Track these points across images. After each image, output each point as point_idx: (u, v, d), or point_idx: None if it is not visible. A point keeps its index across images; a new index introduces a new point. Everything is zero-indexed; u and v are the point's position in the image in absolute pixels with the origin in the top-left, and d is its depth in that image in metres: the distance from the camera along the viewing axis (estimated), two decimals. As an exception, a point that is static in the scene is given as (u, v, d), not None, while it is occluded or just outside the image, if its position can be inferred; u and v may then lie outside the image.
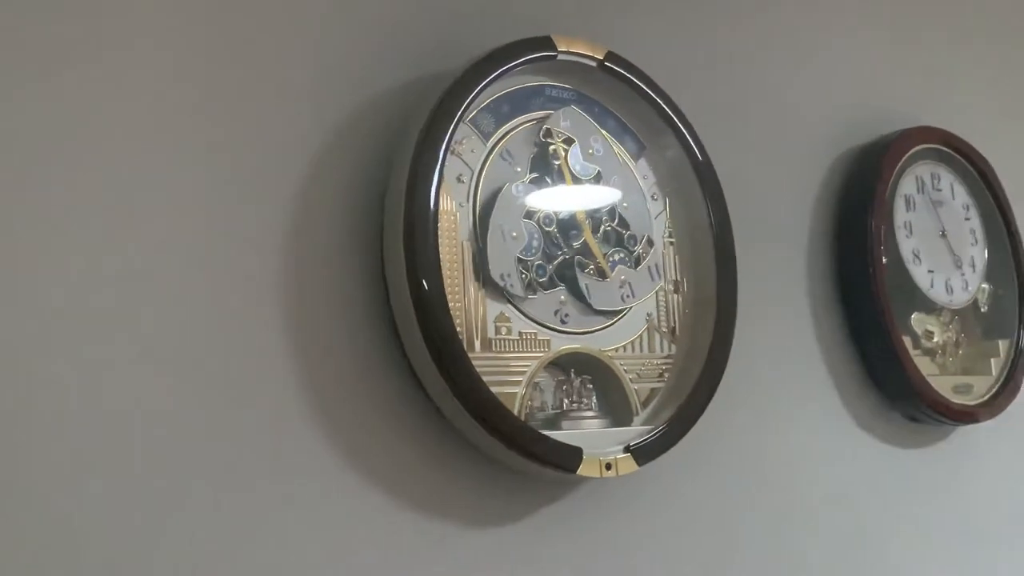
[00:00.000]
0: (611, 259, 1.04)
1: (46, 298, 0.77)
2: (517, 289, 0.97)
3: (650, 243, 1.07)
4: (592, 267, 1.02)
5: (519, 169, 0.99)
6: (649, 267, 1.07)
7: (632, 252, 1.05)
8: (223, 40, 0.89)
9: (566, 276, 1.00)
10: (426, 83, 0.97)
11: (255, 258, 0.87)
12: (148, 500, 0.78)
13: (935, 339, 1.36)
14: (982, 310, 1.43)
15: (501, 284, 0.96)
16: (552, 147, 1.01)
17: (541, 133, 1.01)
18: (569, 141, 1.03)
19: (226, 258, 0.85)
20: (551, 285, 0.99)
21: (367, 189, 0.93)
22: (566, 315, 1.00)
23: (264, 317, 0.86)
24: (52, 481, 0.75)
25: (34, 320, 0.76)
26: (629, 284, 1.05)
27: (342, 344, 0.90)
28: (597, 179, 1.05)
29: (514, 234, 0.97)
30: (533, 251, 0.98)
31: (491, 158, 0.97)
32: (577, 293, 1.01)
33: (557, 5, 1.10)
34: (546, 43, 1.00)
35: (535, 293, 0.98)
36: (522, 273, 0.97)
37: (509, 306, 0.96)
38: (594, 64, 1.03)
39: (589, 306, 1.01)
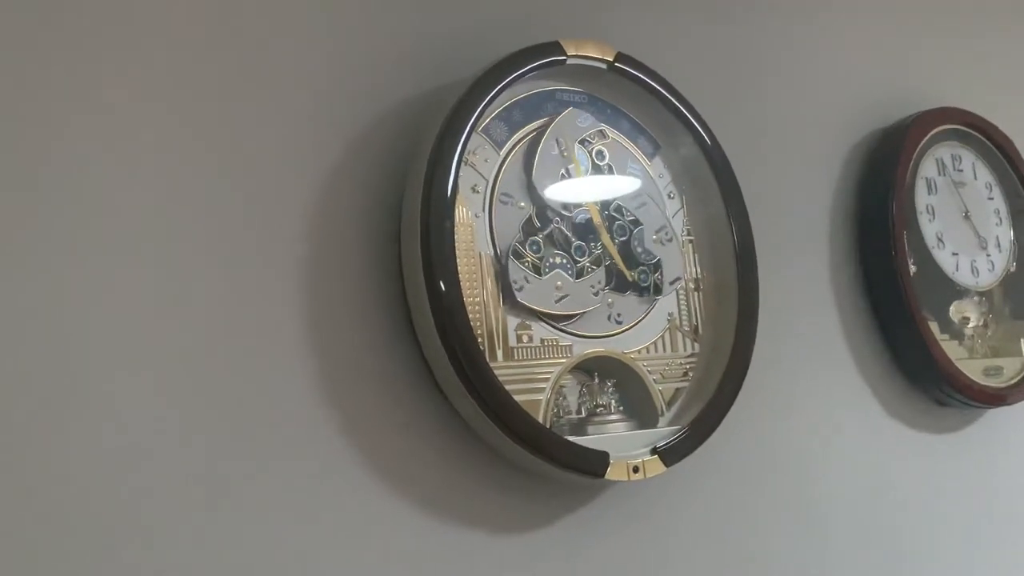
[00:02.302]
0: (637, 249, 1.04)
1: (64, 308, 0.78)
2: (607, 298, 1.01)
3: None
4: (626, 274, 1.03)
5: (523, 205, 0.98)
6: (649, 202, 1.06)
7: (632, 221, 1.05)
8: (240, 52, 0.89)
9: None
10: (436, 94, 0.97)
11: (273, 273, 0.88)
12: (161, 504, 0.79)
13: (972, 324, 1.35)
14: (1011, 270, 1.41)
15: (595, 306, 0.99)
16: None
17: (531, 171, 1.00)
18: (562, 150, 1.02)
19: (243, 272, 0.86)
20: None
21: (383, 203, 0.94)
22: (619, 315, 1.01)
23: (285, 331, 0.87)
24: (62, 483, 0.76)
25: (50, 327, 0.77)
26: (665, 228, 1.06)
27: (363, 356, 0.90)
28: (601, 163, 1.04)
29: (558, 283, 0.98)
30: (571, 266, 0.99)
31: (494, 203, 0.97)
32: (621, 287, 1.02)
33: (565, 9, 1.09)
34: (554, 48, 0.99)
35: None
36: (599, 278, 1.00)
37: (555, 330, 0.97)
38: (604, 66, 1.03)
39: (640, 290, 1.03)
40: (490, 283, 0.95)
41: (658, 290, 1.04)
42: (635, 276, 1.03)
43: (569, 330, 0.98)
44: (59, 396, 0.76)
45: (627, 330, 1.02)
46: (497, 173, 0.97)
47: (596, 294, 1.00)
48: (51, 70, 0.80)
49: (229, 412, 0.83)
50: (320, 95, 0.93)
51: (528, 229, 0.98)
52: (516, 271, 0.96)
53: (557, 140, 1.01)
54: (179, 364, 0.82)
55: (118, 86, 0.83)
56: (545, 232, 0.98)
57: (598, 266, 1.01)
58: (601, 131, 1.05)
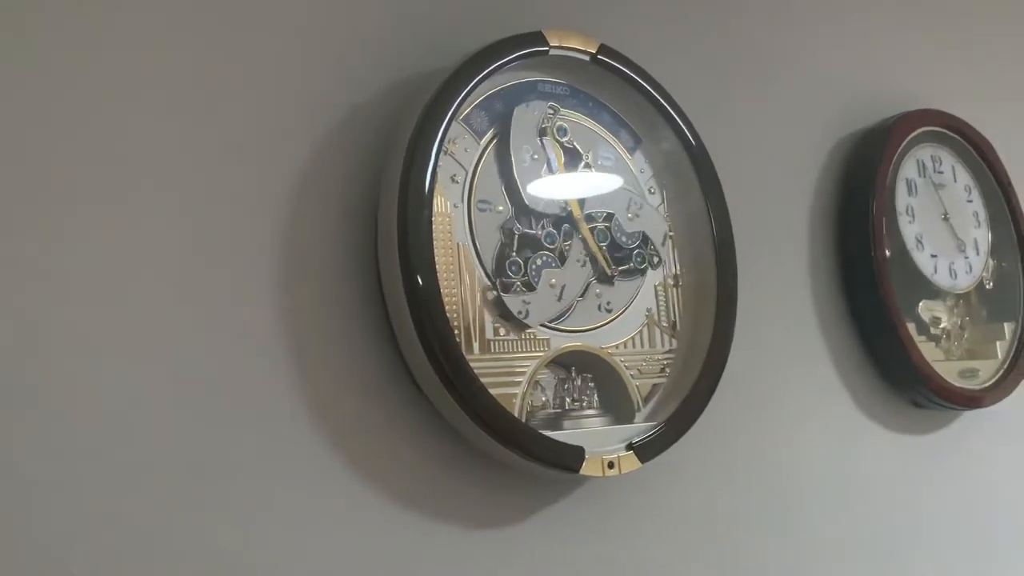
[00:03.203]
0: (621, 239, 1.04)
1: (41, 306, 0.76)
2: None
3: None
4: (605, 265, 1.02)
5: (501, 208, 0.97)
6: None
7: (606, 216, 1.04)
8: (212, 43, 0.88)
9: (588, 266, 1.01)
10: (417, 82, 0.96)
11: (248, 266, 0.86)
12: (140, 504, 0.78)
13: (943, 325, 1.35)
14: (987, 287, 1.42)
15: (587, 278, 1.00)
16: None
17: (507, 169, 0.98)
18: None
19: (218, 264, 0.85)
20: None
21: (361, 193, 0.92)
22: (608, 302, 1.01)
23: (259, 325, 0.86)
24: (46, 480, 0.74)
25: (28, 324, 0.75)
26: (631, 199, 1.05)
27: (339, 349, 0.89)
28: (563, 139, 1.03)
29: (552, 281, 0.98)
30: (553, 257, 0.98)
31: (472, 209, 0.95)
32: (605, 278, 1.02)
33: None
34: (537, 38, 0.98)
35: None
36: (579, 251, 1.01)
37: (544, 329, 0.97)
38: (587, 58, 1.02)
39: (640, 272, 1.04)
40: (468, 277, 0.94)
41: (656, 256, 1.05)
42: (631, 264, 1.04)
43: (548, 324, 0.97)
44: (40, 393, 0.75)
45: (608, 323, 1.01)
46: (477, 163, 0.96)
47: (583, 266, 1.00)
48: (48, 67, 0.79)
49: (202, 410, 0.81)
50: (295, 84, 0.91)
51: (508, 232, 0.96)
52: (513, 302, 0.95)
53: (524, 146, 0.99)
54: (152, 363, 0.80)
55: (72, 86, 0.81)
56: (519, 237, 0.97)
57: (571, 238, 1.00)
58: (552, 107, 1.02)
